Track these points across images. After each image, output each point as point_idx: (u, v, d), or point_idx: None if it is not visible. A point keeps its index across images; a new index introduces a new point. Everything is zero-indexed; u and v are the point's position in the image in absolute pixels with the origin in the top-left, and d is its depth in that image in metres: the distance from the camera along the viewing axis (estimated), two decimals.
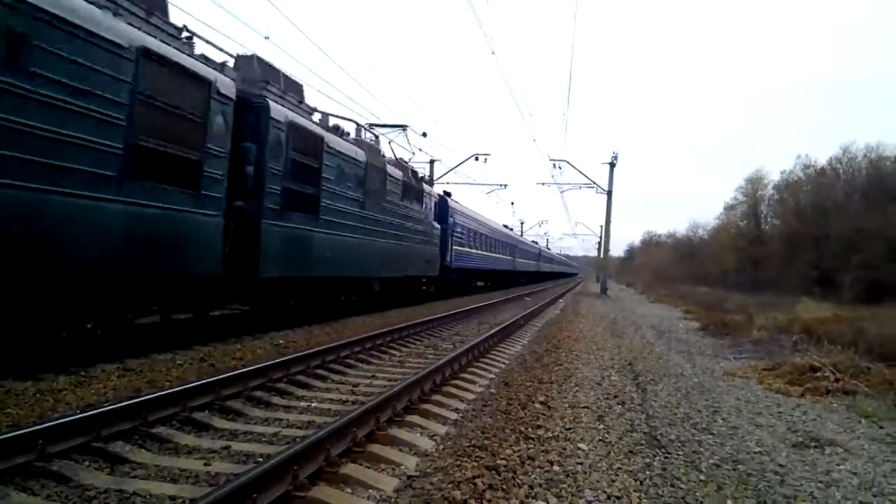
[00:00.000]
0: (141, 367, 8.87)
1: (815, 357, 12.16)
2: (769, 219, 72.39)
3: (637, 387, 9.80)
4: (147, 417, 5.96)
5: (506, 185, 46.81)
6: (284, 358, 8.97)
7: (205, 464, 5.17)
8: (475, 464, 5.32)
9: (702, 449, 6.66)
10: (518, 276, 55.76)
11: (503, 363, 11.12)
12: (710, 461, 6.27)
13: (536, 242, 79.26)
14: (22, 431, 4.89)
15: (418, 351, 12.16)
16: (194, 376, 8.26)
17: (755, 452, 6.75)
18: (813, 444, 7.24)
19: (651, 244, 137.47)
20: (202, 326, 11.86)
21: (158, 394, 6.46)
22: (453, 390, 8.34)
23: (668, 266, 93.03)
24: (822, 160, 62.85)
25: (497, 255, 41.30)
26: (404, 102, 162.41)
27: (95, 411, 5.61)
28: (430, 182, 36.77)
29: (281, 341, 12.09)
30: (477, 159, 40.29)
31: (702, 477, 5.76)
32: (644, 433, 7.03)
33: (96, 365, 8.67)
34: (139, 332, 10.35)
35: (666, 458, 6.21)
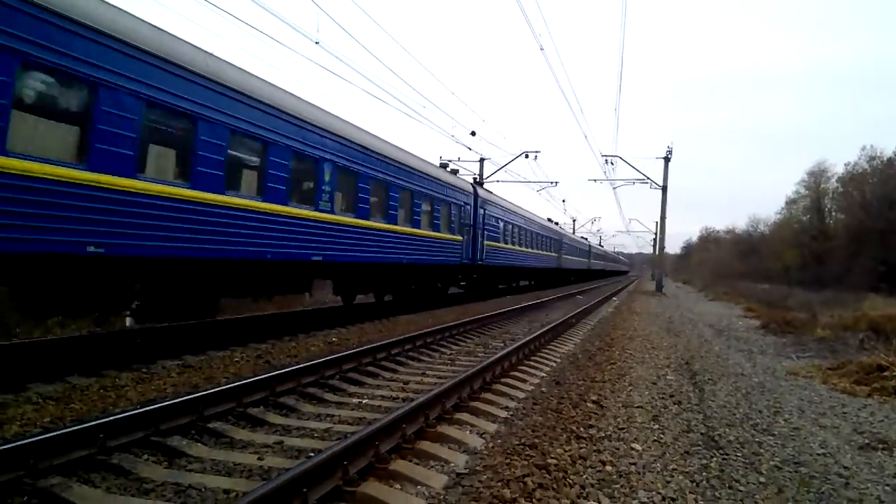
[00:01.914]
0: (199, 364, 9.12)
1: (882, 356, 11.65)
2: (833, 213, 69.88)
3: (694, 386, 9.56)
4: (204, 412, 6.11)
5: (556, 183, 46.24)
6: (337, 355, 9.08)
7: (258, 458, 5.26)
8: (525, 462, 5.26)
9: (762, 450, 6.44)
10: (565, 274, 51.92)
11: (554, 361, 11.00)
12: (771, 463, 6.06)
13: (586, 238, 76.71)
14: (84, 426, 5.08)
15: (468, 349, 12.14)
16: (250, 372, 8.44)
17: (818, 454, 6.50)
18: (880, 445, 6.92)
19: (709, 240, 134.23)
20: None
21: (215, 389, 6.62)
22: (503, 388, 8.29)
23: (728, 263, 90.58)
24: (888, 151, 60.29)
25: (539, 252, 37.62)
26: (453, 102, 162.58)
27: (154, 406, 5.79)
28: (480, 181, 36.59)
29: (334, 339, 12.25)
30: (527, 157, 39.96)
31: (762, 479, 5.57)
32: (701, 434, 6.85)
33: (157, 362, 8.95)
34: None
35: (724, 459, 6.04)
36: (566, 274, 52.63)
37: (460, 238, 22.26)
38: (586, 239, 75.48)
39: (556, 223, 50.33)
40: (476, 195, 24.41)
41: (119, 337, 10.02)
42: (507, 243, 29.38)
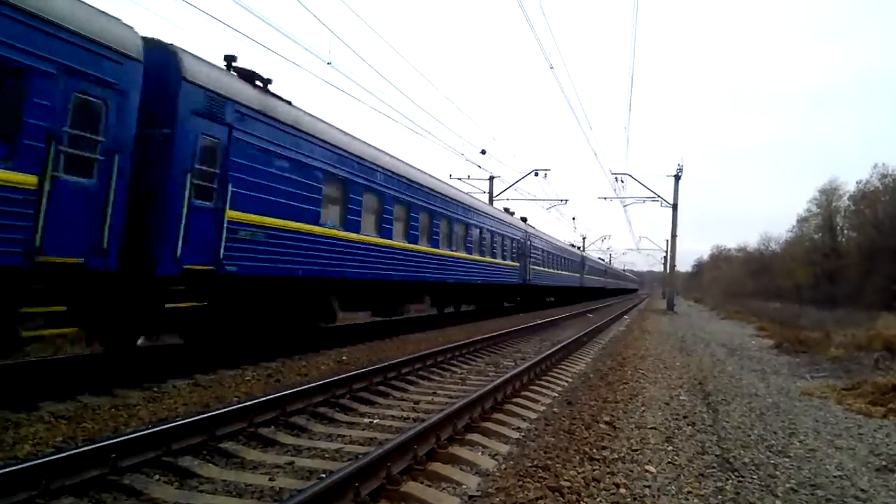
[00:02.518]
0: (210, 383, 9.12)
1: None
2: (845, 231, 69.35)
3: (708, 407, 9.46)
4: (215, 432, 6.10)
5: (566, 201, 46.50)
6: (347, 374, 9.06)
7: (269, 479, 5.24)
8: (538, 485, 5.22)
9: (777, 472, 6.35)
10: (586, 292, 58.65)
11: (566, 381, 10.93)
12: (787, 485, 5.96)
13: (602, 259, 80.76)
14: (96, 445, 5.08)
15: (479, 368, 12.08)
16: (261, 391, 8.43)
17: (835, 476, 6.39)
18: None
19: (720, 258, 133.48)
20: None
21: (226, 409, 6.62)
22: (515, 409, 8.24)
23: (739, 281, 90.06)
24: None
25: (568, 273, 44.40)
26: (462, 120, 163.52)
27: (166, 426, 5.78)
28: (490, 199, 36.87)
29: (344, 357, 12.23)
30: (536, 175, 40.12)
31: (777, 502, 5.49)
32: (716, 455, 6.76)
33: (168, 381, 8.95)
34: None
35: (739, 481, 5.95)
36: (588, 292, 59.53)
37: (517, 264, 29.41)
38: (602, 259, 79.76)
39: (579, 247, 53.49)
40: (526, 230, 31.34)
41: (128, 355, 10.04)
42: (546, 267, 36.12)
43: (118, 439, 5.28)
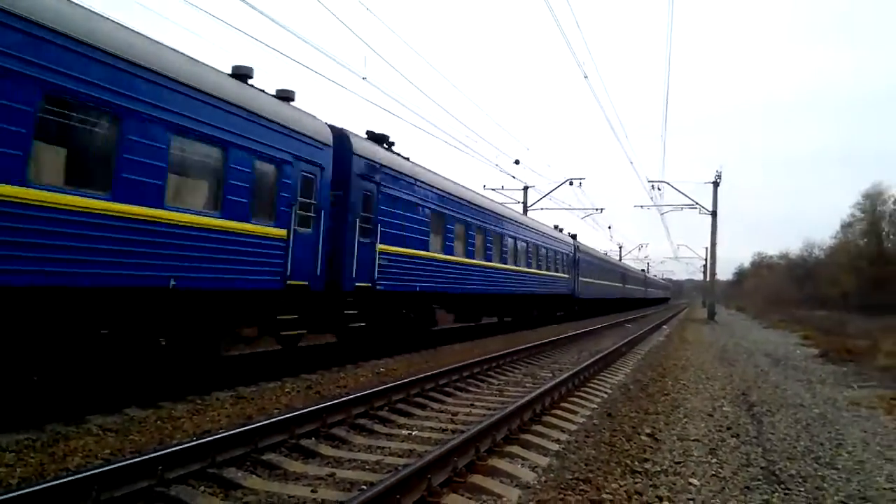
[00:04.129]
0: (252, 395, 9.26)
1: None
2: (891, 236, 67.31)
3: (752, 418, 9.27)
4: (258, 444, 6.20)
5: (602, 210, 46.13)
6: (385, 386, 9.12)
7: (311, 490, 5.30)
8: (579, 497, 5.18)
9: (825, 485, 6.19)
10: (627, 301, 60.98)
11: (605, 392, 10.82)
12: (836, 498, 5.82)
13: (644, 270, 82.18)
14: (143, 457, 5.20)
15: (516, 379, 12.03)
16: (301, 404, 8.52)
17: (885, 489, 6.21)
18: None
19: (762, 266, 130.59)
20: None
21: (268, 421, 6.71)
22: (554, 420, 8.19)
23: (782, 289, 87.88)
24: None
25: (612, 284, 48.34)
26: (497, 131, 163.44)
27: (210, 438, 5.90)
28: (524, 209, 36.77)
29: (382, 369, 12.30)
30: (571, 184, 39.89)
31: None
32: (761, 468, 6.63)
33: (212, 393, 9.11)
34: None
35: (786, 494, 5.82)
36: (628, 301, 61.23)
37: (568, 276, 33.29)
38: (644, 270, 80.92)
39: (621, 259, 54.44)
40: (574, 245, 35.13)
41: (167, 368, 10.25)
42: (594, 279, 39.47)
43: (164, 451, 5.40)
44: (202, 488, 5.24)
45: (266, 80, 12.30)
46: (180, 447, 5.56)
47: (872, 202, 68.92)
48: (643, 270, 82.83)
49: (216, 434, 6.14)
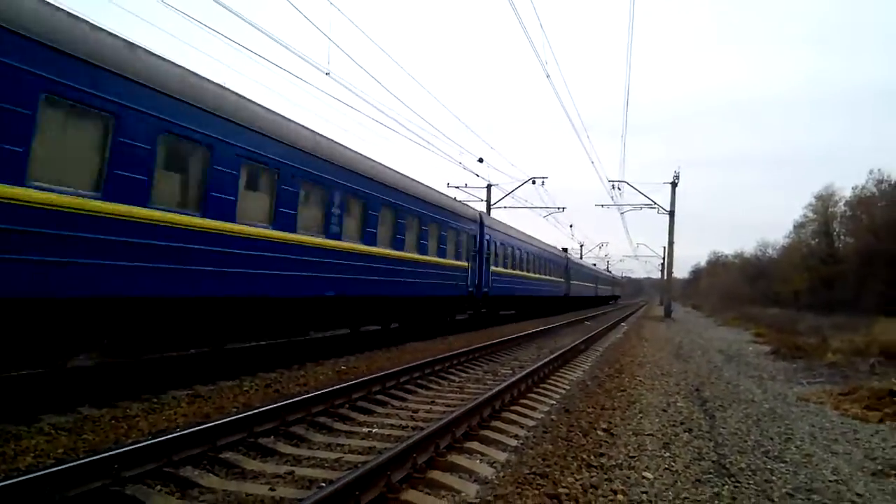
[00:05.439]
0: (209, 394, 9.15)
1: (894, 381, 11.56)
2: (842, 236, 69.41)
3: (705, 413, 9.51)
4: (216, 443, 6.14)
5: (563, 209, 46.52)
6: (346, 384, 9.11)
7: (270, 489, 5.28)
8: (536, 492, 5.27)
9: (774, 478, 6.41)
10: (573, 302, 52.22)
11: (564, 389, 10.97)
12: (783, 490, 6.03)
13: (595, 265, 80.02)
14: (98, 457, 5.12)
15: (477, 376, 12.13)
16: (260, 402, 8.46)
17: (831, 481, 6.46)
18: (893, 472, 6.88)
19: (717, 265, 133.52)
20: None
21: (226, 419, 6.66)
22: (513, 416, 8.28)
23: (736, 287, 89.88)
24: None
25: (549, 278, 38.59)
26: (461, 129, 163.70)
27: (166, 437, 5.82)
28: (488, 208, 36.94)
29: (343, 367, 12.26)
30: (534, 183, 40.16)
31: None
32: (713, 461, 6.82)
33: (168, 392, 8.98)
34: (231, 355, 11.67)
35: (736, 487, 6.01)
36: (574, 301, 52.72)
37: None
38: (595, 265, 78.76)
39: (566, 249, 50.96)
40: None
41: (126, 368, 10.07)
42: (517, 270, 29.85)
43: (119, 450, 5.32)
44: (158, 487, 5.18)
45: (235, 79, 11.96)
46: (136, 446, 5.49)
47: (824, 203, 70.94)
48: (594, 265, 76.48)
49: (173, 432, 6.07)
